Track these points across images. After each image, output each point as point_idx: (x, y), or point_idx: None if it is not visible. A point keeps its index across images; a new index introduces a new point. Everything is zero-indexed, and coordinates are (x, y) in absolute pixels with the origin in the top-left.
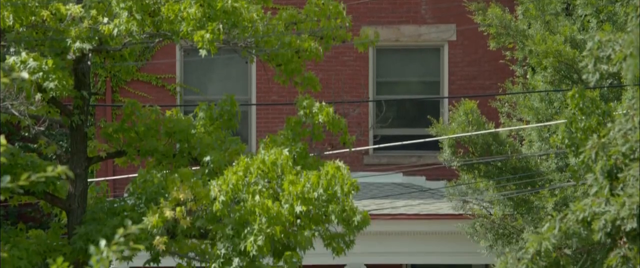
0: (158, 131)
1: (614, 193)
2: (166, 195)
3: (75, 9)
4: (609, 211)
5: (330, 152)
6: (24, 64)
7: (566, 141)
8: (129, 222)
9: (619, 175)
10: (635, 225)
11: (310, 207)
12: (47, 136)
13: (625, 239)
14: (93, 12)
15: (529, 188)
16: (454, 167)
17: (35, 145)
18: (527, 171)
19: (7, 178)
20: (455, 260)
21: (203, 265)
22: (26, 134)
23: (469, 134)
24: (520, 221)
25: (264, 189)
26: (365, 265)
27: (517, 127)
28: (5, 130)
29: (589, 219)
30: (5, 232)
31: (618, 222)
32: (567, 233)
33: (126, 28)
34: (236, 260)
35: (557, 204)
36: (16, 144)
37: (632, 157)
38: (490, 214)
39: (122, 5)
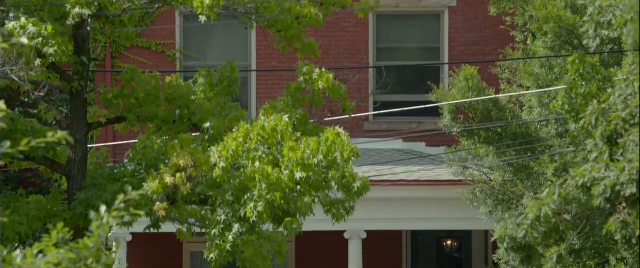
0: (158, 97)
1: (613, 159)
2: (166, 161)
3: None
4: (608, 176)
5: (330, 119)
6: (24, 30)
7: (566, 107)
8: (129, 188)
9: (619, 140)
10: (634, 190)
11: (310, 174)
12: (47, 102)
13: (624, 204)
14: None
15: (528, 154)
16: (454, 133)
17: (35, 111)
18: (527, 137)
19: (7, 143)
20: (455, 226)
21: (203, 231)
22: (26, 100)
23: (469, 100)
24: (520, 187)
25: (264, 155)
26: (365, 231)
27: (517, 93)
28: (5, 95)
29: (588, 185)
30: (6, 197)
31: (618, 188)
32: (566, 198)
33: None
34: (236, 226)
35: (557, 170)
36: (16, 110)
37: (632, 122)
38: (490, 180)
39: None
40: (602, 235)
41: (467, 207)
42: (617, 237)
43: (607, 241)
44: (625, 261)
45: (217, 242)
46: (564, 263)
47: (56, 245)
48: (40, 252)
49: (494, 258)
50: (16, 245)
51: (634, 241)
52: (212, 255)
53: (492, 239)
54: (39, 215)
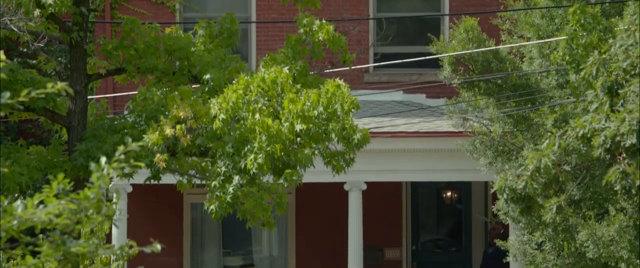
0: (158, 49)
1: (614, 109)
2: (166, 112)
3: None
4: (608, 127)
5: (331, 70)
6: None
7: (567, 57)
8: (129, 140)
9: (620, 91)
10: (634, 140)
11: (310, 125)
12: (46, 52)
13: (624, 155)
14: None
15: (529, 105)
16: (454, 85)
17: (34, 62)
18: (527, 88)
19: (7, 94)
20: (455, 178)
21: (203, 182)
22: (25, 50)
23: (470, 51)
24: (520, 138)
25: (264, 107)
26: (365, 182)
27: (517, 44)
28: (4, 46)
29: (588, 135)
30: (6, 148)
31: (618, 138)
32: (566, 149)
33: None
34: (236, 178)
35: (557, 121)
36: (15, 60)
37: (632, 72)
38: (490, 131)
39: None
40: (601, 185)
41: (467, 159)
42: (617, 187)
43: (607, 191)
44: (625, 211)
45: (217, 193)
46: (563, 213)
47: (56, 196)
48: (41, 202)
49: (493, 210)
50: (16, 195)
51: (633, 191)
52: (212, 207)
53: (492, 190)
54: (39, 165)
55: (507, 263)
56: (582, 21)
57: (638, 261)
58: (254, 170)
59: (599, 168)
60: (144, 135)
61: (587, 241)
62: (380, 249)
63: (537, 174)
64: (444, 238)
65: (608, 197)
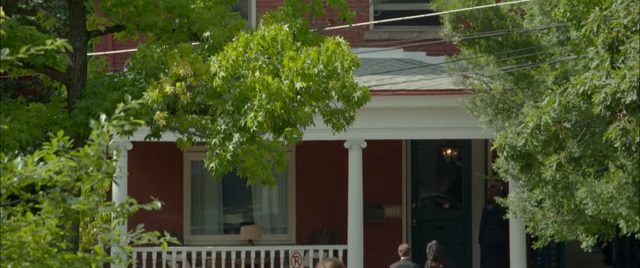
0: (157, 6)
1: (614, 66)
2: (166, 70)
3: None
4: (609, 84)
5: (331, 28)
6: None
7: (568, 14)
8: (129, 97)
9: (620, 47)
10: (635, 97)
11: (311, 83)
12: (45, 9)
13: (624, 112)
14: None
15: (529, 62)
16: (455, 42)
17: (33, 18)
18: (528, 45)
19: (7, 50)
20: (455, 135)
21: (203, 140)
22: (24, 7)
23: (470, 8)
24: (520, 95)
25: (264, 65)
26: (365, 140)
27: (518, 1)
28: (3, 2)
29: (589, 92)
30: (6, 105)
31: (618, 95)
32: (566, 107)
33: None
34: (236, 136)
35: (557, 78)
36: (14, 17)
37: (633, 29)
38: (491, 89)
39: None
40: (601, 142)
41: (467, 116)
42: (617, 144)
43: (607, 148)
44: (624, 168)
45: (217, 151)
46: (563, 171)
47: (56, 153)
48: (41, 159)
49: (493, 167)
50: (17, 152)
51: (633, 148)
52: (212, 164)
53: (492, 148)
54: (39, 122)
55: (507, 221)
56: None
57: (637, 218)
58: (254, 128)
59: (599, 125)
60: (143, 93)
61: (586, 198)
62: (380, 207)
63: (537, 131)
64: (444, 196)
65: (608, 154)
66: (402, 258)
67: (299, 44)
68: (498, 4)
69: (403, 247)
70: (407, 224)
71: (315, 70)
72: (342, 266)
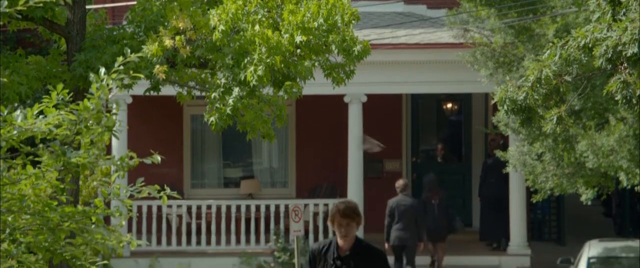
0: None
1: (616, 19)
2: (165, 23)
3: None
4: (610, 37)
5: None
6: None
7: None
8: (129, 51)
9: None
10: (636, 50)
11: (310, 37)
12: None
13: (625, 64)
14: None
15: (530, 15)
16: None
17: None
18: None
19: (5, 2)
20: (456, 89)
21: (203, 94)
22: None
23: None
24: (521, 49)
25: (263, 19)
26: (366, 94)
27: None
28: None
29: (590, 45)
30: (5, 57)
31: (619, 48)
32: (567, 60)
33: None
34: (236, 90)
35: (558, 31)
36: None
37: None
38: (491, 42)
39: None
40: (602, 95)
41: (468, 70)
42: (618, 97)
43: (607, 101)
44: (625, 121)
45: (217, 105)
46: (563, 124)
47: (56, 107)
48: (41, 112)
49: (493, 121)
50: (16, 105)
51: (634, 101)
52: (212, 119)
53: (492, 102)
54: (38, 75)
55: (507, 174)
56: None
57: (637, 170)
58: (254, 82)
59: (600, 78)
60: (143, 46)
61: (586, 151)
62: (380, 161)
63: (538, 85)
64: (444, 150)
65: (608, 107)
66: (400, 194)
67: None
68: None
69: (400, 182)
70: (407, 177)
71: (315, 23)
72: (356, 207)
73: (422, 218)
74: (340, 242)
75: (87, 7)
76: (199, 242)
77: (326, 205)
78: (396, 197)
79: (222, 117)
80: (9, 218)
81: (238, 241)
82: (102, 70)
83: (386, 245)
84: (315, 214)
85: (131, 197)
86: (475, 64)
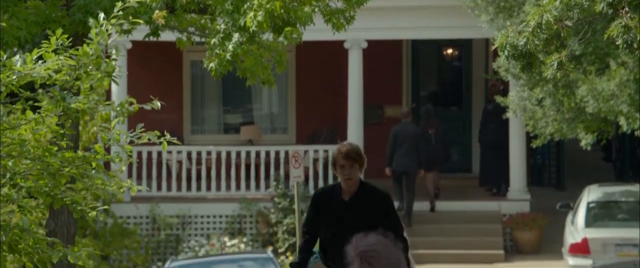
0: None
1: None
2: None
3: None
4: None
5: None
6: None
7: None
8: None
9: None
10: None
11: None
12: None
13: (626, 9)
14: None
15: None
16: None
17: None
18: None
19: None
20: (456, 35)
21: (203, 40)
22: None
23: None
24: None
25: None
26: (366, 40)
27: None
28: None
29: None
30: (4, 2)
31: None
32: (568, 4)
33: None
34: (236, 36)
35: None
36: None
37: None
38: None
39: None
40: (603, 40)
41: (468, 15)
42: (618, 41)
43: (608, 46)
44: (626, 65)
45: (217, 51)
46: (564, 69)
47: (55, 52)
48: (40, 57)
49: (494, 66)
50: (15, 49)
51: (635, 45)
52: (211, 64)
53: (493, 47)
54: (37, 20)
55: (507, 120)
56: None
57: (638, 115)
58: (254, 28)
59: (601, 23)
60: None
61: (587, 96)
62: (381, 107)
63: (539, 30)
64: (444, 96)
65: (609, 52)
66: (403, 121)
67: None
68: None
69: (404, 110)
70: (407, 106)
71: None
72: (359, 149)
73: (423, 146)
74: (343, 185)
75: None
76: (199, 188)
77: (326, 151)
78: (399, 124)
79: (222, 63)
80: (9, 163)
81: (238, 187)
82: (102, 15)
83: (387, 171)
84: (315, 160)
85: (131, 142)
86: (475, 9)
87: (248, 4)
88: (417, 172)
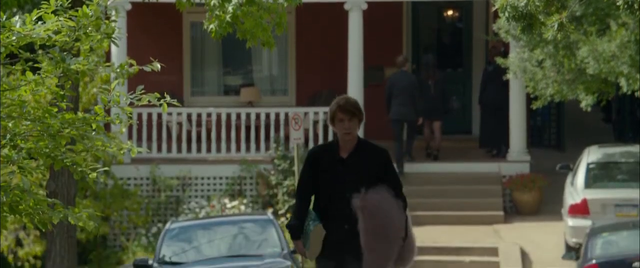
0: None
1: None
2: None
3: None
4: None
5: None
6: None
7: None
8: None
9: None
10: None
11: None
12: None
13: None
14: None
15: None
16: None
17: None
18: None
19: None
20: None
21: (202, 1)
22: None
23: None
24: None
25: None
26: (366, 2)
27: None
28: None
29: None
30: None
31: None
32: None
33: None
34: None
35: None
36: None
37: None
38: None
39: None
40: (603, 1)
41: None
42: (619, 2)
43: (609, 7)
44: (626, 26)
45: (217, 12)
46: (564, 30)
47: (55, 13)
48: (39, 18)
49: (494, 28)
50: (15, 10)
51: (635, 6)
52: (211, 26)
53: (493, 8)
54: None
55: (507, 81)
56: None
57: (638, 75)
58: None
59: None
60: None
61: (587, 57)
62: (381, 68)
63: None
64: (445, 57)
65: (610, 13)
66: (399, 69)
67: None
68: None
69: (400, 59)
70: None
71: None
72: (357, 103)
73: (420, 93)
74: (341, 142)
75: None
76: (199, 150)
77: (326, 113)
78: (395, 72)
79: (222, 24)
80: (10, 124)
81: (238, 149)
82: None
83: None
84: (315, 122)
85: (131, 104)
86: None
87: None
88: (416, 121)
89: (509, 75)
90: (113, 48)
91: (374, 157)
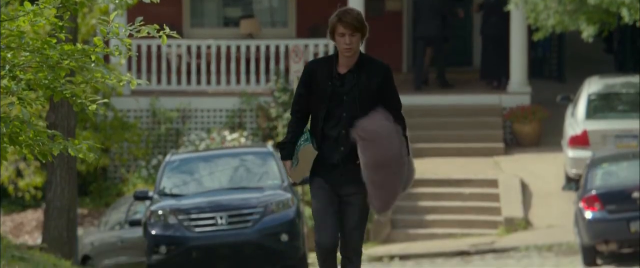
0: None
1: None
2: None
3: None
4: None
5: None
6: None
7: None
8: None
9: None
10: None
11: None
12: None
13: None
14: None
15: None
16: None
17: None
18: None
19: None
20: None
21: None
22: None
23: None
24: None
25: None
26: None
27: None
28: None
29: None
30: None
31: None
32: None
33: None
34: None
35: None
36: None
37: None
38: None
39: None
40: None
41: None
42: None
43: None
44: None
45: None
46: None
47: None
48: None
49: None
50: None
51: None
52: None
53: None
54: None
55: (508, 12)
56: None
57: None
58: None
59: None
60: None
61: None
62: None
63: None
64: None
65: None
66: None
67: None
68: None
69: None
70: (407, 17)
71: None
72: (361, 15)
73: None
74: (341, 57)
75: None
76: (198, 82)
77: (326, 45)
78: None
79: None
80: (8, 55)
81: (238, 81)
82: None
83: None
84: (316, 54)
85: (130, 36)
86: None
87: None
88: (443, 41)
89: (510, 6)
90: None
91: (374, 74)
